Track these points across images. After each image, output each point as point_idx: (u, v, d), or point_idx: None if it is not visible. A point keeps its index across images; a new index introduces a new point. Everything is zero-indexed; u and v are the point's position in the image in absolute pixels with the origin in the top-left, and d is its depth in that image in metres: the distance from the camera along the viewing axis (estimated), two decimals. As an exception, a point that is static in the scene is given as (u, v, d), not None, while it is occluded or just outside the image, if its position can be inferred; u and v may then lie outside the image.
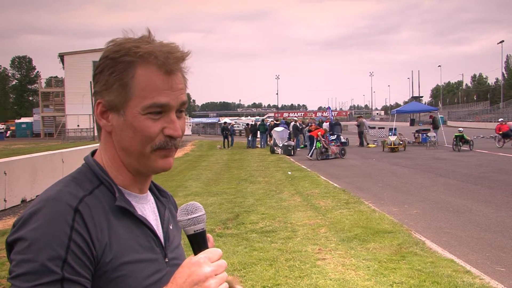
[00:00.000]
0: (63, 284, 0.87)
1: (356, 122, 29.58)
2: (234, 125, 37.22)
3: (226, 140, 30.38)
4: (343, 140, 26.03)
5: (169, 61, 0.99)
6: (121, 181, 1.05)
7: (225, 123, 35.18)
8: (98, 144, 1.10)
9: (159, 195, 1.17)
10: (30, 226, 0.90)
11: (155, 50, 0.99)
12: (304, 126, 29.87)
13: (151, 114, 0.99)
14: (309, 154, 20.92)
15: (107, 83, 1.01)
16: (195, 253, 0.96)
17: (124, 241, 0.98)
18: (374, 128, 37.44)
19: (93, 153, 1.10)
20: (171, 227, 1.13)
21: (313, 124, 23.61)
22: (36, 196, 1.03)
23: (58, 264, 0.87)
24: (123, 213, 1.01)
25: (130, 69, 0.99)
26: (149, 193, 1.13)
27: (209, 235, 1.02)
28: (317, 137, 20.48)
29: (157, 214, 1.12)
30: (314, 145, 20.71)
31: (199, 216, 0.99)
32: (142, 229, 1.03)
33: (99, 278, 0.93)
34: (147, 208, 1.09)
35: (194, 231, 0.98)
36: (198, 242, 0.98)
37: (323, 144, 20.51)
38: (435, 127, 27.36)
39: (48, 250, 0.87)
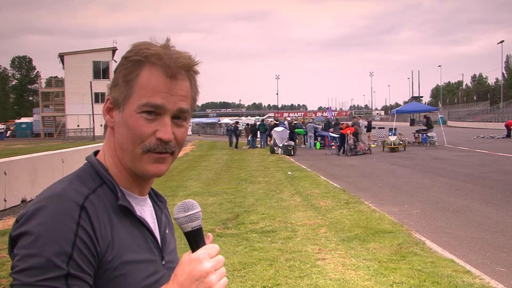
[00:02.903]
0: (68, 280, 0.87)
1: (350, 123, 29.66)
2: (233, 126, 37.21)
3: (232, 140, 30.41)
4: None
5: (173, 65, 0.99)
6: (121, 181, 1.05)
7: (236, 122, 35.21)
8: (98, 144, 1.10)
9: (157, 199, 1.18)
10: (35, 221, 0.89)
11: (162, 52, 1.00)
12: (304, 126, 30.01)
13: (145, 114, 0.99)
14: (341, 151, 22.20)
15: (116, 81, 1.03)
16: (193, 250, 0.96)
17: (125, 240, 0.98)
18: (374, 128, 37.44)
19: (96, 153, 1.10)
20: (167, 231, 1.14)
21: (344, 123, 24.19)
22: (36, 196, 1.04)
23: (63, 260, 0.87)
24: (124, 213, 1.01)
25: (136, 68, 1.00)
26: (147, 197, 1.13)
27: (209, 234, 1.03)
28: (347, 134, 21.88)
29: (155, 217, 1.12)
30: (345, 142, 21.96)
31: (196, 213, 0.99)
32: (141, 230, 1.04)
33: (100, 276, 0.93)
34: (146, 211, 1.10)
35: (192, 228, 0.98)
36: (196, 239, 0.98)
37: (352, 141, 21.79)
38: (429, 126, 27.23)
39: (54, 245, 0.87)
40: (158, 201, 1.17)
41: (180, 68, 1.01)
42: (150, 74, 0.99)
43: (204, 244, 0.98)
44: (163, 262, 1.07)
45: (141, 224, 1.04)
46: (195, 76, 1.05)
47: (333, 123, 29.30)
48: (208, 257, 0.93)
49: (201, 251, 0.94)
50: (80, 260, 0.89)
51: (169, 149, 1.01)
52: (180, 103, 1.01)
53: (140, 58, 1.00)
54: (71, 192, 0.95)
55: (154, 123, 0.99)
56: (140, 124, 0.99)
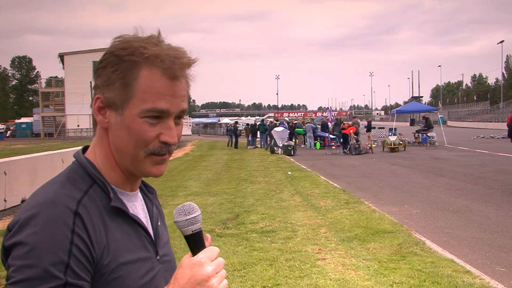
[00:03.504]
0: None
1: (350, 122, 29.71)
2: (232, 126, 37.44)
3: (231, 140, 30.65)
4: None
5: (175, 66, 0.97)
6: (113, 179, 1.03)
7: (236, 122, 35.49)
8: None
9: (146, 191, 1.16)
10: (29, 230, 0.87)
11: (161, 53, 0.97)
12: (304, 126, 30.06)
13: (149, 118, 0.97)
14: (346, 150, 22.80)
15: (109, 80, 0.98)
16: (194, 253, 0.96)
17: (120, 242, 0.97)
18: (374, 128, 37.41)
19: (84, 149, 1.07)
20: (159, 224, 1.13)
21: (346, 123, 24.49)
22: (28, 199, 1.02)
23: (61, 269, 0.86)
24: (117, 213, 1.00)
25: (134, 70, 0.97)
26: (138, 191, 1.12)
27: (207, 235, 1.02)
28: (350, 134, 22.59)
29: (147, 212, 1.11)
30: (349, 142, 22.62)
31: (196, 216, 0.99)
32: (135, 228, 1.03)
33: (97, 281, 0.92)
34: (137, 206, 1.08)
35: (192, 231, 0.98)
36: (196, 242, 0.98)
37: (354, 141, 22.44)
38: (428, 127, 27.11)
39: (50, 255, 0.86)
40: (148, 192, 1.16)
41: (180, 69, 0.99)
42: (151, 77, 0.96)
43: (204, 246, 0.98)
44: (158, 257, 1.06)
45: (135, 222, 1.03)
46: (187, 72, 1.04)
47: (333, 123, 29.32)
48: (209, 260, 0.93)
49: (202, 255, 0.94)
50: (77, 268, 0.87)
51: (170, 151, 1.01)
52: (182, 104, 1.00)
53: (139, 59, 0.96)
54: (63, 197, 0.92)
55: (157, 126, 0.98)
56: (144, 129, 0.97)
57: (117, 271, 0.94)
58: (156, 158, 0.99)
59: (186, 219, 0.98)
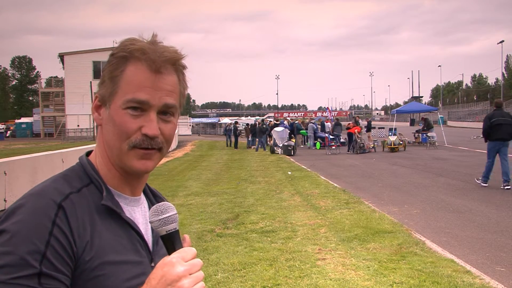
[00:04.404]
0: (41, 279, 0.86)
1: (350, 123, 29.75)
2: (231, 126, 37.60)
3: (229, 140, 30.82)
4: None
5: (158, 59, 0.99)
6: (111, 181, 1.04)
7: (236, 122, 35.73)
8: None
9: (155, 201, 1.16)
10: (13, 219, 0.90)
11: (146, 47, 0.99)
12: (303, 126, 30.09)
13: (130, 110, 0.98)
14: (349, 150, 23.42)
15: (102, 77, 1.03)
16: (170, 254, 0.94)
17: (107, 241, 0.97)
18: (374, 128, 37.39)
19: (88, 153, 1.10)
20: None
21: (351, 123, 24.81)
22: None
23: (36, 258, 0.86)
24: (109, 213, 1.00)
25: (121, 64, 1.00)
26: (142, 197, 1.12)
27: (186, 236, 1.00)
28: (354, 133, 23.39)
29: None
30: (353, 141, 23.34)
31: (170, 216, 0.96)
32: (128, 231, 1.02)
33: (78, 277, 0.92)
34: (137, 211, 1.08)
35: (166, 231, 0.95)
36: (172, 243, 0.95)
37: (358, 140, 23.12)
38: (428, 127, 27.01)
39: (27, 243, 0.87)
40: (156, 201, 1.15)
41: (165, 62, 1.00)
42: (135, 70, 0.99)
43: (180, 247, 0.95)
44: (152, 264, 1.04)
45: (128, 225, 1.02)
46: (183, 70, 1.04)
47: (333, 123, 29.34)
48: (182, 260, 0.90)
49: (174, 255, 0.91)
50: (54, 259, 0.88)
51: (155, 145, 1.00)
52: (165, 98, 1.00)
53: (125, 54, 0.99)
54: (50, 190, 0.94)
55: (139, 119, 0.99)
56: (125, 120, 0.98)
57: (99, 269, 0.94)
58: (139, 151, 1.00)
59: (160, 219, 0.95)
